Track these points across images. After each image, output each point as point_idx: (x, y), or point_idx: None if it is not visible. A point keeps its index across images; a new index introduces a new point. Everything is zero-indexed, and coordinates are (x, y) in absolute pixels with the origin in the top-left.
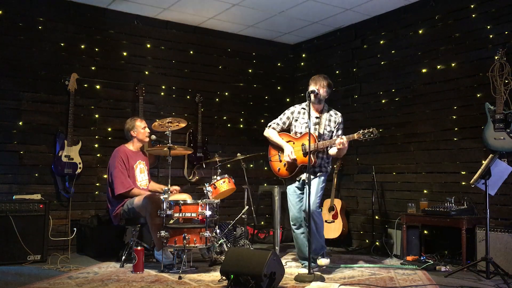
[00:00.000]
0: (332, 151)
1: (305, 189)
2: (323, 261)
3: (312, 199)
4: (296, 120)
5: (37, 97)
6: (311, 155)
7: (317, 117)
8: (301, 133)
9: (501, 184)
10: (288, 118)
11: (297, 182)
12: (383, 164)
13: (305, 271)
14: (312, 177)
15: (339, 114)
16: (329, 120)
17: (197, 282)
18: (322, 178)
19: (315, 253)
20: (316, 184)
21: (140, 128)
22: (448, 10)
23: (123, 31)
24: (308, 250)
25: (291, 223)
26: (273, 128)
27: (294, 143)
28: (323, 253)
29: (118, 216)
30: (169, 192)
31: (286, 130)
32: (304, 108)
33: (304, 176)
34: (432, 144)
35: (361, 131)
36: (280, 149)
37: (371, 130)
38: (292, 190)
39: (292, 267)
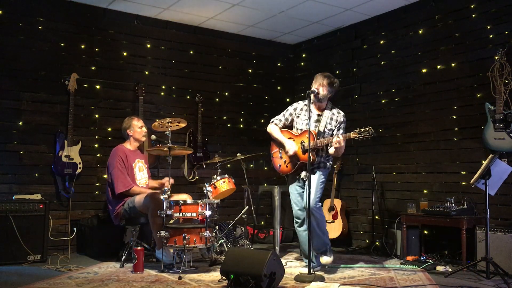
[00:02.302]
0: (331, 150)
1: (305, 186)
2: (325, 259)
3: (312, 196)
4: (298, 116)
5: (37, 97)
6: (310, 153)
7: (318, 115)
8: (301, 129)
9: (501, 184)
10: (290, 114)
11: (297, 181)
12: (383, 164)
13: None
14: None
15: (342, 113)
16: (331, 119)
17: (197, 282)
18: (321, 173)
19: (316, 249)
20: (316, 180)
21: (136, 127)
22: (448, 10)
23: (123, 31)
24: (308, 248)
25: (294, 221)
26: (276, 124)
27: (294, 140)
28: (325, 250)
29: (118, 216)
30: (169, 193)
31: (288, 126)
32: (306, 105)
33: (303, 174)
34: (432, 144)
35: (357, 129)
36: (281, 145)
37: (367, 129)
38: (293, 188)
39: (292, 267)
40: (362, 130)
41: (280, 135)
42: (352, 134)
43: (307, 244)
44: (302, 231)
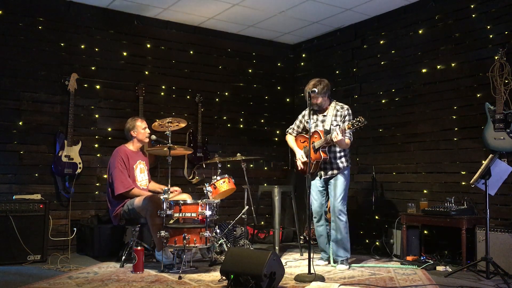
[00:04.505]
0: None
1: (328, 186)
2: (341, 267)
3: (334, 200)
4: (307, 122)
5: (37, 97)
6: (320, 151)
7: (323, 115)
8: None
9: (501, 184)
10: (300, 122)
11: (318, 178)
12: (383, 164)
13: (325, 263)
14: (328, 175)
15: (346, 107)
16: (335, 115)
17: (197, 282)
18: (341, 176)
19: (336, 254)
20: (339, 185)
21: (140, 128)
22: (448, 10)
23: (123, 31)
24: (308, 248)
25: (313, 216)
26: (290, 133)
27: (307, 143)
28: (344, 258)
29: (118, 216)
30: (169, 192)
31: (304, 131)
32: (312, 110)
33: (322, 174)
34: (432, 144)
35: (350, 121)
36: (293, 153)
37: (358, 118)
38: (314, 185)
39: (292, 267)
40: (354, 121)
41: (292, 144)
42: (346, 126)
43: (323, 238)
44: (319, 226)
